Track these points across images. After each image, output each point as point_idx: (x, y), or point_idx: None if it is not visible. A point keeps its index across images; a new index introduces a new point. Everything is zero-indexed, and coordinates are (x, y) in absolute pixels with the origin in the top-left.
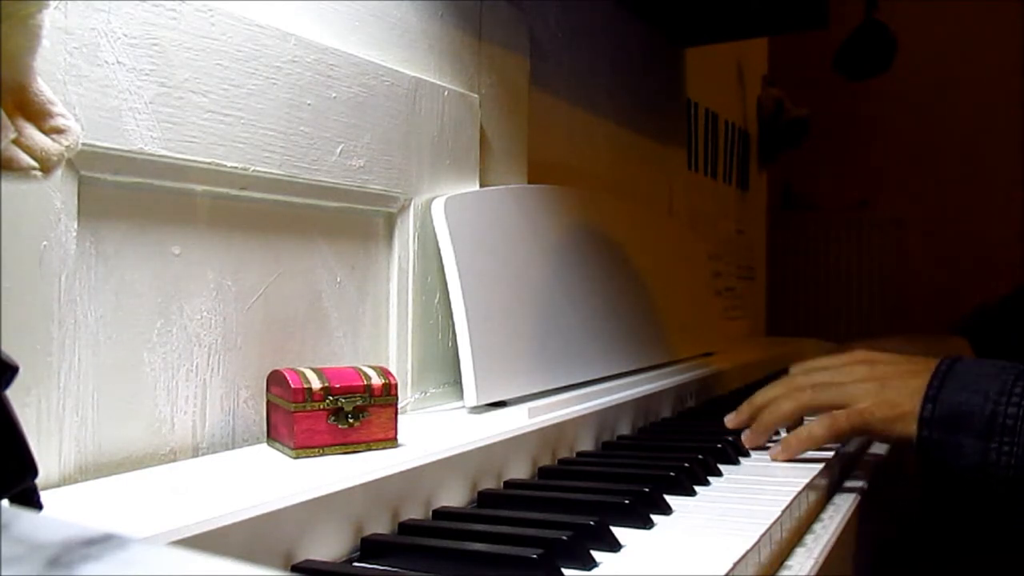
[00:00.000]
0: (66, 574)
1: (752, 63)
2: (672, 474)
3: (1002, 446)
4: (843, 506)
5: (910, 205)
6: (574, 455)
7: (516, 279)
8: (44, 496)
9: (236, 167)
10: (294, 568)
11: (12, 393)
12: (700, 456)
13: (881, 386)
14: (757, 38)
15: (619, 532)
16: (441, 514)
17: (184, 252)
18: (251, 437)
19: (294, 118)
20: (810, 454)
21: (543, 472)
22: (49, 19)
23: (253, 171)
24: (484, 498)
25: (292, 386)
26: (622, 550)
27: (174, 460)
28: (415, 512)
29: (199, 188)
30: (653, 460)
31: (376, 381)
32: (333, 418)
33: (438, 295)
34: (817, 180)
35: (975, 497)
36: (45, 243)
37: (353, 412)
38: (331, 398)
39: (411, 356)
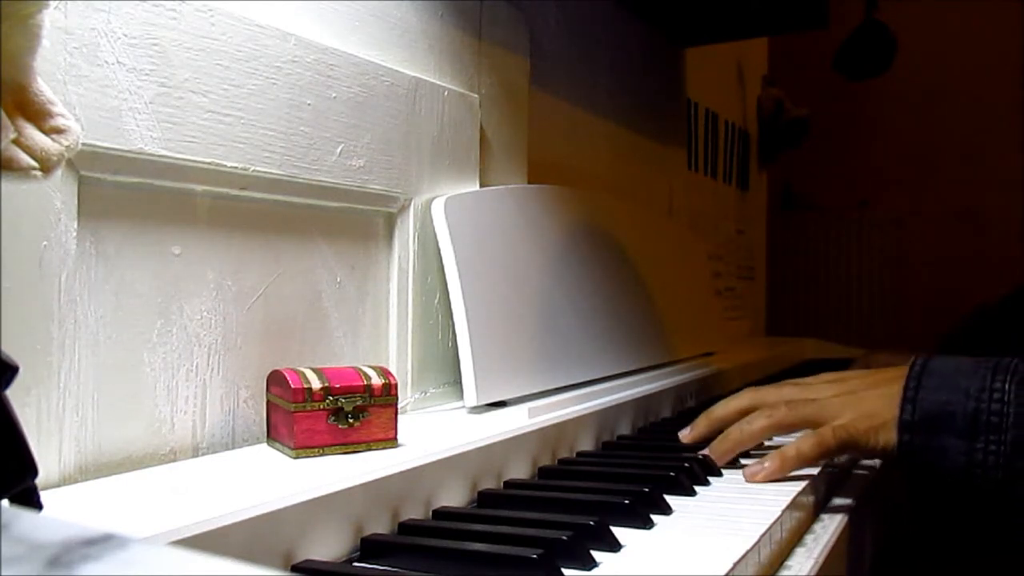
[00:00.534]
0: (66, 574)
1: (752, 63)
2: (672, 474)
3: (988, 445)
4: (844, 506)
5: (910, 205)
6: (574, 455)
7: (516, 279)
8: (44, 496)
9: (236, 167)
10: (294, 568)
11: (12, 393)
12: (700, 456)
13: (857, 399)
14: (757, 38)
15: (619, 532)
16: (441, 514)
17: (184, 252)
18: (251, 437)
19: (294, 118)
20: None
21: (543, 472)
22: (49, 19)
23: (253, 171)
24: (484, 498)
25: (292, 386)
26: (622, 550)
27: (174, 460)
28: (415, 512)
29: (199, 188)
30: (653, 460)
31: (376, 381)
32: (333, 418)
33: (438, 295)
34: (817, 180)
35: (960, 502)
36: (45, 243)
37: (353, 412)
38: (331, 398)
39: (411, 356)
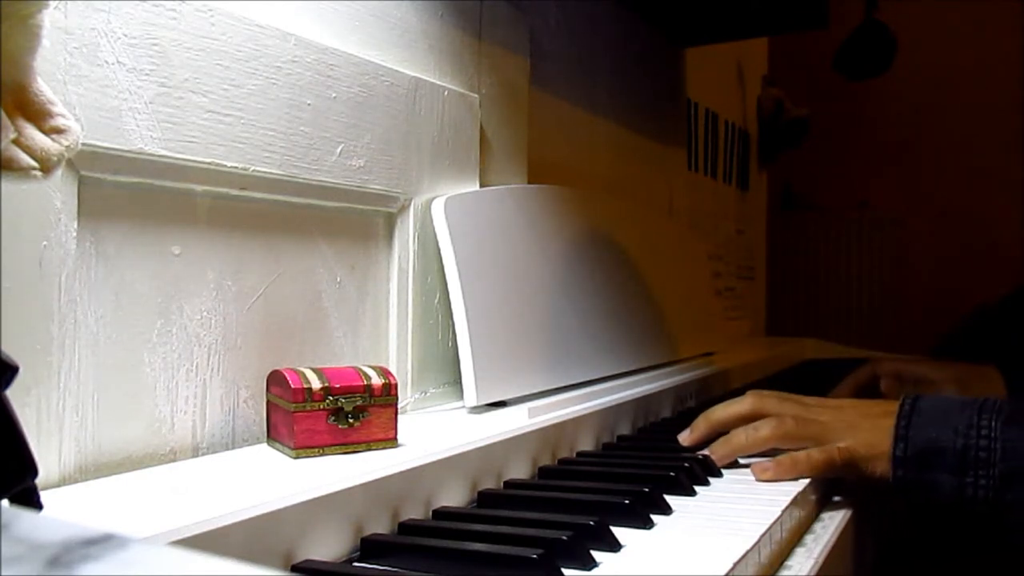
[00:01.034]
0: (66, 574)
1: (752, 63)
2: (672, 474)
3: (978, 479)
4: (843, 506)
5: (910, 205)
6: (574, 455)
7: (516, 279)
8: (44, 496)
9: (236, 167)
10: (294, 568)
11: (12, 393)
12: (700, 456)
13: (856, 428)
14: (757, 38)
15: (619, 532)
16: (441, 514)
17: (184, 252)
18: (251, 437)
19: (294, 118)
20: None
21: (543, 472)
22: (49, 19)
23: (253, 171)
24: (484, 498)
25: (292, 386)
26: (622, 550)
27: (174, 460)
28: (415, 512)
29: (199, 188)
30: (653, 460)
31: (376, 381)
32: (333, 418)
33: (438, 295)
34: (817, 180)
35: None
36: (45, 243)
37: (353, 412)
38: (331, 398)
39: (411, 356)
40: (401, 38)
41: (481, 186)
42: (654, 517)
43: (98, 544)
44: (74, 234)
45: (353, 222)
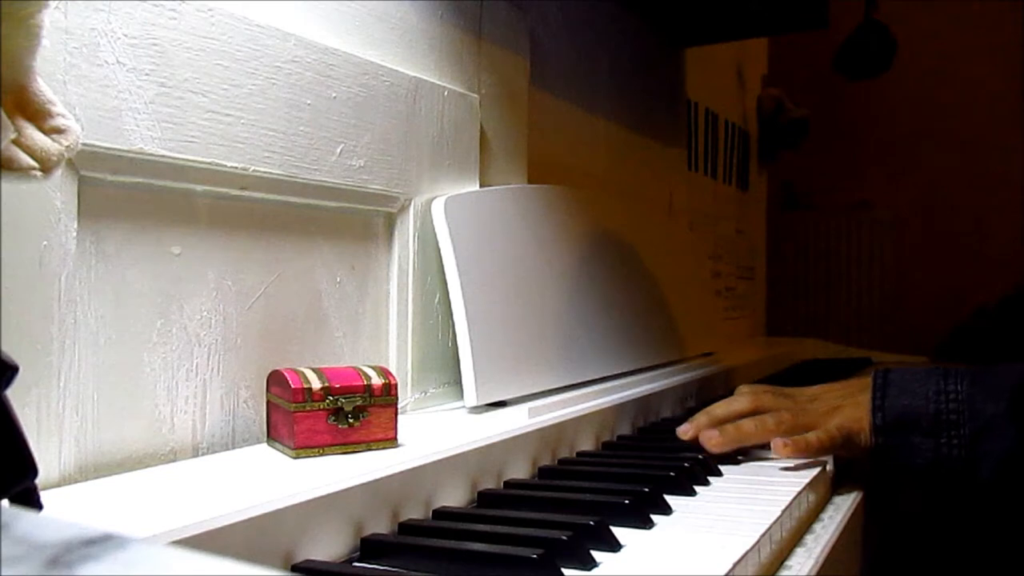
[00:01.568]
0: (66, 574)
1: (752, 63)
2: (672, 474)
3: (951, 439)
4: (843, 506)
5: (910, 205)
6: (574, 455)
7: (516, 279)
8: (44, 496)
9: (236, 167)
10: (294, 568)
11: (12, 393)
12: (700, 456)
13: (840, 410)
14: (757, 38)
15: (619, 532)
16: (441, 514)
17: (184, 252)
18: (251, 437)
19: (294, 118)
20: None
21: (543, 472)
22: (49, 19)
23: (253, 171)
24: (484, 498)
25: (292, 386)
26: (622, 550)
27: (174, 460)
28: (415, 512)
29: (199, 188)
30: (653, 460)
31: (376, 381)
32: (333, 418)
33: (438, 295)
34: (817, 180)
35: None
36: (45, 243)
37: (353, 412)
38: (331, 398)
39: (411, 356)
40: (401, 38)
41: (481, 186)
42: (654, 517)
43: (98, 544)
44: (74, 234)
45: (353, 222)
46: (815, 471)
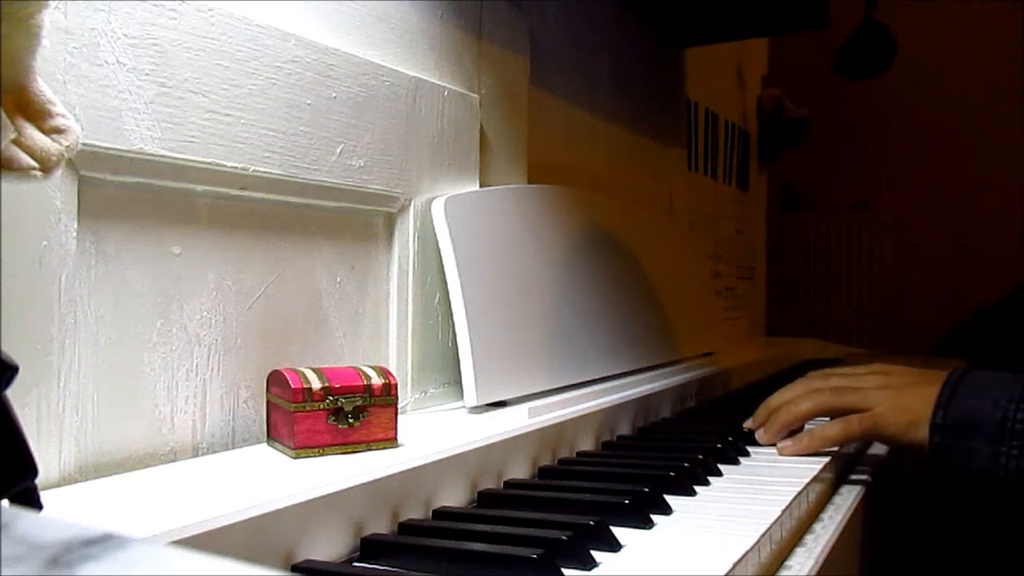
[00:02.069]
0: (66, 574)
1: (752, 63)
2: (672, 474)
3: (1011, 450)
4: (843, 506)
5: (910, 205)
6: (574, 455)
7: (516, 279)
8: (44, 496)
9: (236, 167)
10: (294, 568)
11: (12, 393)
12: (700, 456)
13: (896, 393)
14: (757, 38)
15: (619, 532)
16: (441, 514)
17: (184, 252)
18: (251, 437)
19: (294, 118)
20: (812, 454)
21: (543, 472)
22: (49, 19)
23: (253, 171)
24: (484, 498)
25: (292, 386)
26: (622, 550)
27: (174, 460)
28: (415, 512)
29: (199, 188)
30: (653, 460)
31: (376, 381)
32: (333, 418)
33: (438, 295)
34: (817, 180)
35: (981, 496)
36: (45, 243)
37: (353, 412)
38: (331, 398)
39: (411, 356)
40: (401, 38)
41: (481, 186)
42: (654, 517)
43: (98, 544)
44: (74, 234)
45: (353, 222)
46: (815, 471)
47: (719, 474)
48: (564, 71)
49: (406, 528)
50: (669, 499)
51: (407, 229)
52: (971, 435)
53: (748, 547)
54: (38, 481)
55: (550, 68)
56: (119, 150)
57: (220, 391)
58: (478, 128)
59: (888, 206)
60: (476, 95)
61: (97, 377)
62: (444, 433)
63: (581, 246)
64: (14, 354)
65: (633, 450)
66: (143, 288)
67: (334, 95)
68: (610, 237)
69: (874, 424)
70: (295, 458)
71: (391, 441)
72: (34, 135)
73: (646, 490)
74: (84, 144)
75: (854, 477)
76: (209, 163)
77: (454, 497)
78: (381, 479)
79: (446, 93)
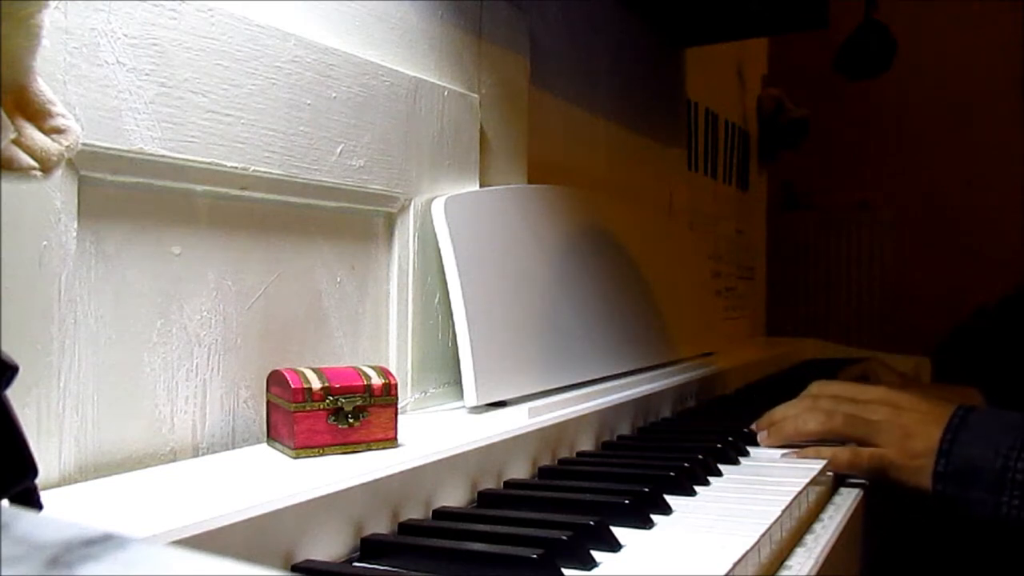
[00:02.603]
0: (66, 574)
1: (752, 63)
2: (672, 474)
3: (1012, 499)
4: (843, 506)
5: (910, 205)
6: (574, 455)
7: (516, 279)
8: (44, 496)
9: (236, 167)
10: (294, 568)
11: (12, 393)
12: (700, 456)
13: (905, 434)
14: (757, 38)
15: (619, 532)
16: (441, 514)
17: (184, 252)
18: (251, 437)
19: (294, 118)
20: (812, 454)
21: (543, 472)
22: (49, 19)
23: (253, 171)
24: (484, 498)
25: (292, 386)
26: (622, 550)
27: (174, 460)
28: (415, 512)
29: (199, 188)
30: (653, 460)
31: (376, 381)
32: (333, 418)
33: (438, 295)
34: (817, 180)
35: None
36: (45, 243)
37: (353, 412)
38: (331, 398)
39: (411, 356)
40: (401, 38)
41: (481, 186)
42: (654, 517)
43: (98, 544)
44: (74, 234)
45: (353, 222)
46: (815, 471)
47: (719, 474)
48: (564, 71)
49: (406, 528)
50: (669, 499)
51: (407, 229)
52: (972, 484)
53: (748, 547)
54: (38, 481)
55: (550, 68)
56: (119, 150)
57: (220, 391)
58: (478, 128)
59: (888, 206)
60: (476, 95)
61: (97, 377)
62: (444, 433)
63: (581, 246)
64: (14, 354)
65: (633, 450)
66: (143, 288)
67: (334, 95)
68: (610, 237)
69: (881, 466)
70: (295, 458)
71: (391, 441)
72: (34, 135)
73: (646, 490)
74: (84, 144)
75: (854, 477)
76: (209, 163)
77: (454, 497)
78: (381, 479)
79: (446, 93)
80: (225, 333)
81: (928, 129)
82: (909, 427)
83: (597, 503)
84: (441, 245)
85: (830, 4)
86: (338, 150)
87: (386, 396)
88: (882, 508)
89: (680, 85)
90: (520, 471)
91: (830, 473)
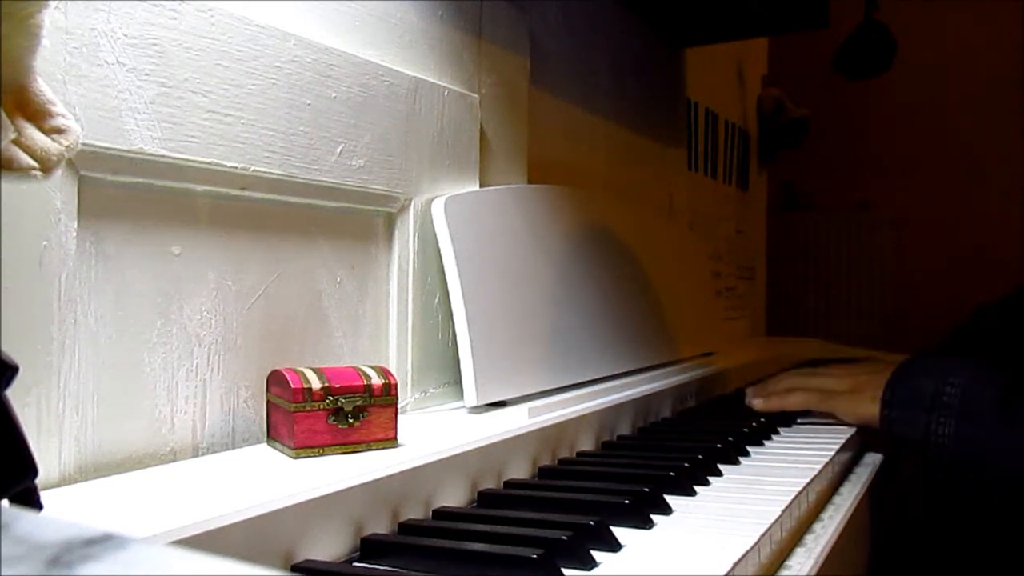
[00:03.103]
0: (66, 574)
1: (752, 63)
2: (672, 474)
3: (939, 418)
4: (843, 506)
5: (910, 205)
6: (574, 455)
7: (516, 279)
8: (44, 496)
9: (236, 167)
10: (294, 568)
11: (12, 393)
12: (700, 456)
13: (855, 379)
14: (757, 38)
15: (619, 532)
16: (441, 514)
17: (184, 252)
18: (251, 437)
19: (294, 118)
20: (811, 454)
21: (543, 472)
22: (49, 19)
23: (253, 171)
24: (484, 498)
25: (292, 386)
26: (622, 550)
27: (174, 460)
28: (415, 512)
29: (199, 188)
30: (653, 460)
31: (376, 381)
32: (333, 418)
33: (438, 295)
34: (817, 180)
35: (981, 496)
36: (45, 243)
37: (353, 412)
38: (331, 398)
39: (411, 356)
40: (401, 38)
41: (481, 186)
42: (654, 517)
43: (98, 544)
44: (74, 234)
45: (353, 222)
46: (815, 471)
47: (719, 474)
48: (564, 71)
49: (406, 528)
50: (669, 499)
51: (407, 229)
52: (913, 405)
53: (748, 547)
54: (38, 481)
55: (550, 68)
56: (119, 150)
57: (220, 391)
58: (478, 128)
59: (888, 206)
60: (476, 95)
61: (97, 377)
62: (444, 433)
63: (581, 246)
64: (14, 354)
65: (633, 450)
66: (143, 288)
67: (334, 95)
68: (610, 237)
69: (828, 404)
70: (295, 458)
71: (391, 441)
72: (34, 135)
73: (646, 490)
74: (84, 144)
75: (854, 477)
76: (209, 163)
77: (454, 497)
78: (381, 479)
79: (446, 93)
80: (225, 333)
81: (928, 129)
82: (859, 374)
83: (597, 503)
84: (441, 245)
85: (830, 4)
86: (338, 150)
87: (386, 396)
88: (882, 508)
89: (680, 85)
90: (520, 471)
91: (829, 474)
